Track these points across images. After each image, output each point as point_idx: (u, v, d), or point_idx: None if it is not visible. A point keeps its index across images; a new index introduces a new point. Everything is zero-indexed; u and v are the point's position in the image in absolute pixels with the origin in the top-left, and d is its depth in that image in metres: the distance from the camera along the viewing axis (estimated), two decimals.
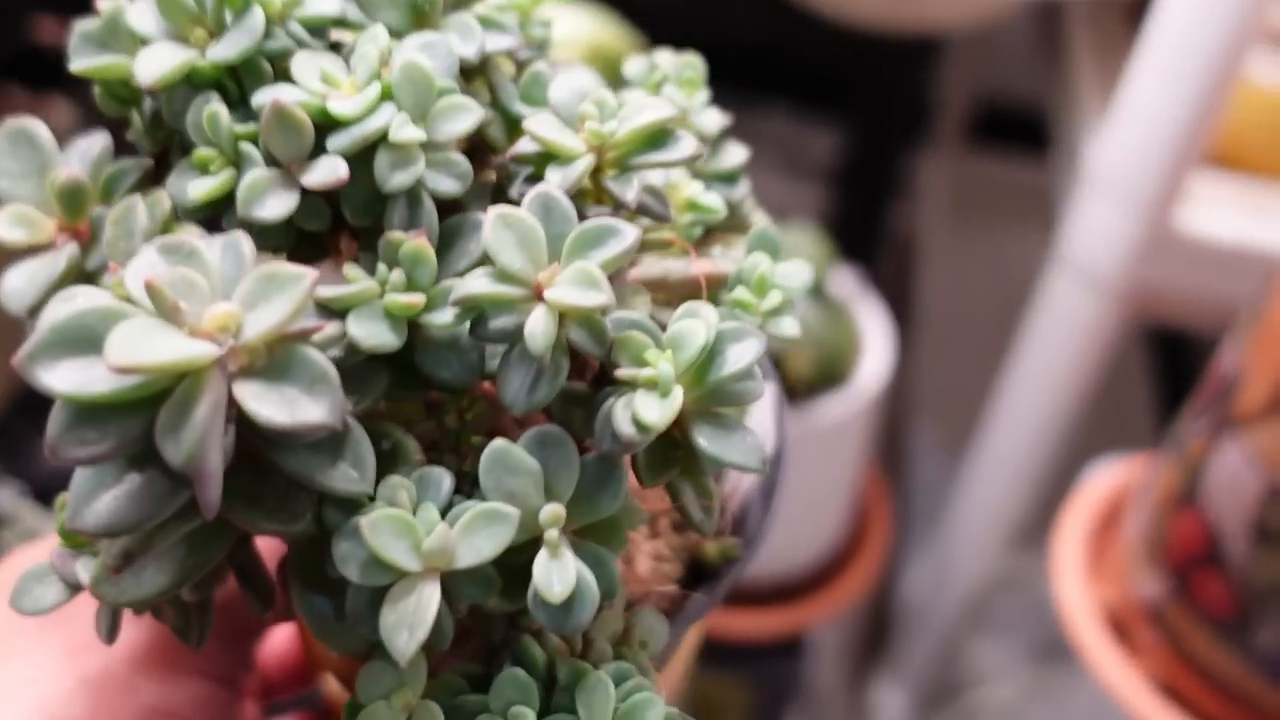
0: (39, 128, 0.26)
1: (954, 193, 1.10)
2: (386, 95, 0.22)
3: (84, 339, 0.19)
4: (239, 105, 0.24)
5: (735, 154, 0.30)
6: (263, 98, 0.23)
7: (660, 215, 0.25)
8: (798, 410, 0.72)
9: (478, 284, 0.22)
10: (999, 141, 1.12)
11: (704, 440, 0.23)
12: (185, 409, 0.19)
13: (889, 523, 0.85)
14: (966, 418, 0.88)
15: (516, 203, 0.23)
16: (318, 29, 0.24)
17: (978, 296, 1.05)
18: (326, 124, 0.23)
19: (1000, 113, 1.12)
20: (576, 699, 0.23)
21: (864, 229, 0.86)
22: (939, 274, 1.06)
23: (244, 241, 0.21)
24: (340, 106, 0.22)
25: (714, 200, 0.27)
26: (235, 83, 0.24)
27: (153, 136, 0.25)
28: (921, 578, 0.95)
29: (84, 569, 0.24)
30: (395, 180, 0.22)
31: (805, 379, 0.72)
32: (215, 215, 0.24)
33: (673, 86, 0.29)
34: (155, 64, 0.23)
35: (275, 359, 0.20)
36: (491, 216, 0.22)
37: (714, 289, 0.26)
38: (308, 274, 0.20)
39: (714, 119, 0.29)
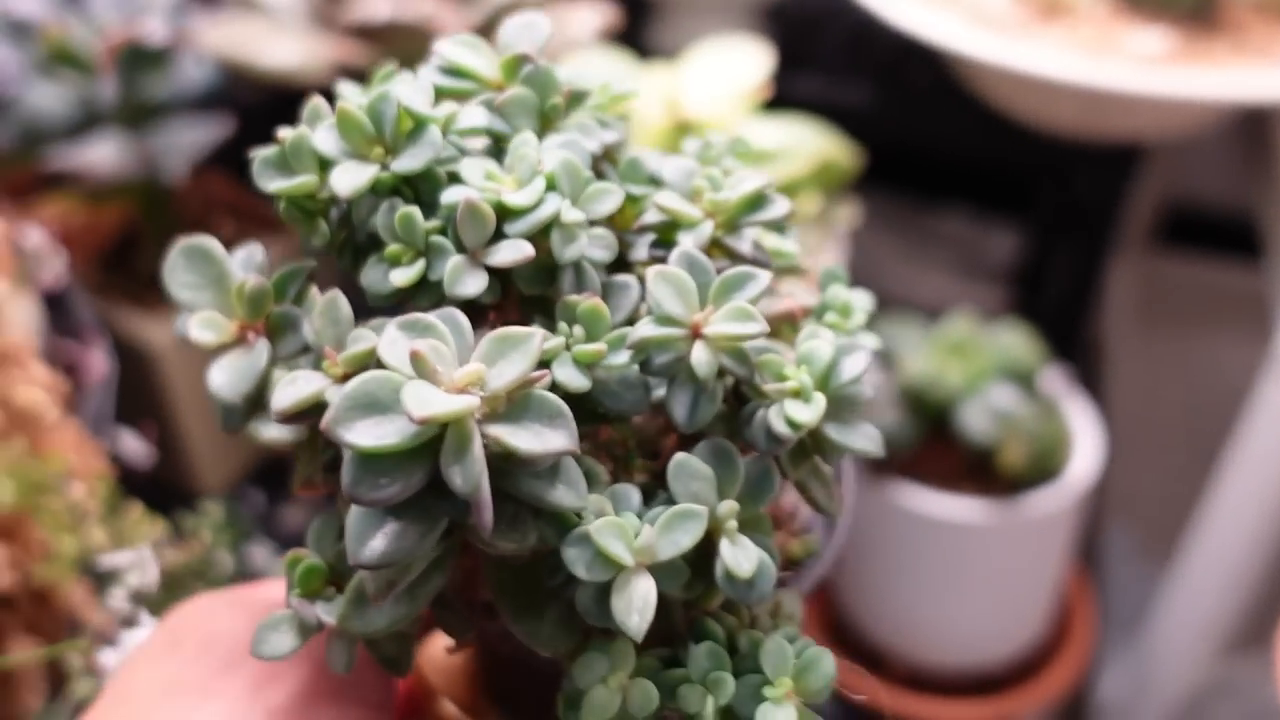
0: (211, 243, 0.31)
1: (1143, 296, 1.09)
2: (551, 186, 0.28)
3: (372, 404, 0.24)
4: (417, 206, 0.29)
5: (782, 205, 0.36)
6: (451, 197, 0.28)
7: (764, 264, 0.30)
8: (1009, 502, 0.75)
9: (648, 330, 0.27)
10: (1187, 244, 1.11)
11: (834, 434, 0.28)
12: (462, 449, 0.23)
13: (1092, 620, 0.87)
14: (1163, 520, 0.88)
15: (645, 266, 0.29)
16: (471, 137, 0.30)
17: (1169, 399, 1.06)
18: (502, 214, 0.28)
19: (1188, 215, 1.11)
20: (760, 661, 0.28)
21: (1048, 331, 0.86)
22: (1128, 377, 1.06)
23: (459, 315, 0.26)
24: (516, 199, 0.27)
25: (792, 247, 0.33)
26: (411, 188, 0.29)
27: (334, 241, 0.30)
28: (1120, 679, 0.94)
29: (325, 611, 0.28)
30: (567, 254, 0.28)
31: (1017, 471, 0.76)
32: (401, 301, 0.29)
33: (729, 158, 0.35)
34: (349, 178, 0.28)
35: (514, 404, 0.25)
36: (652, 274, 0.27)
37: (803, 318, 0.32)
38: (536, 334, 0.25)
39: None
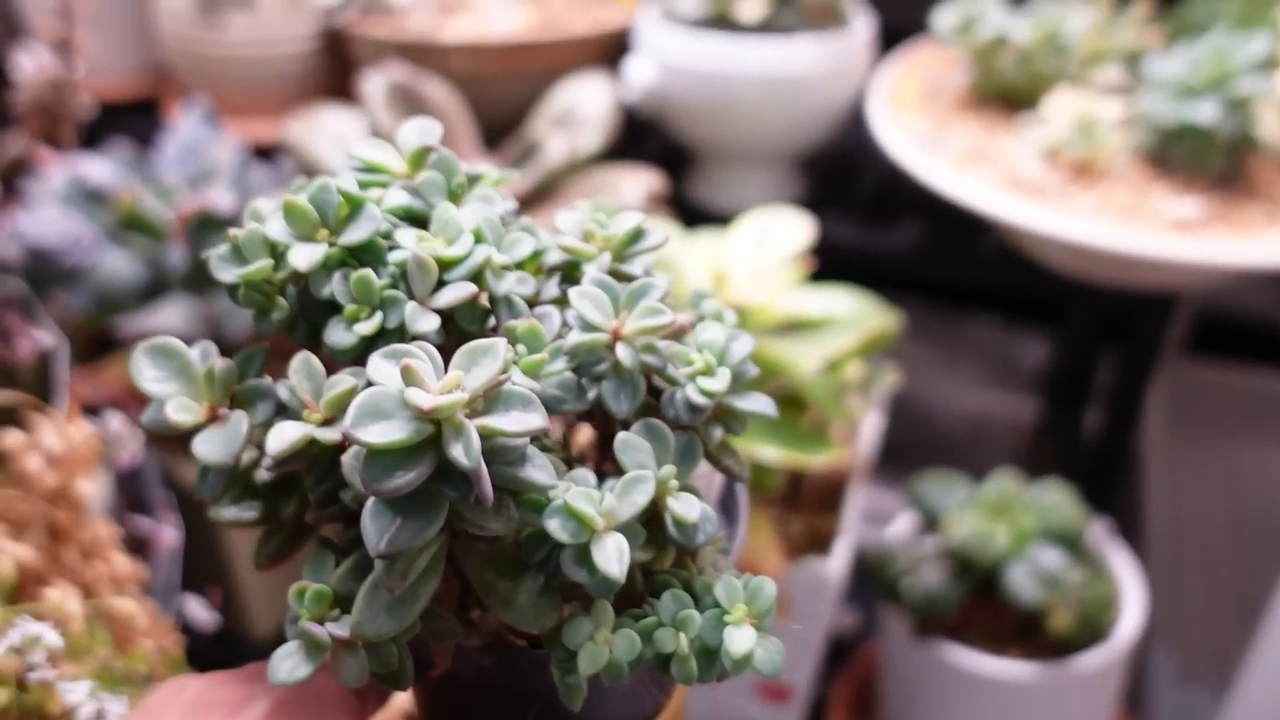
0: (172, 340, 0.36)
1: (1176, 405, 1.10)
2: (478, 239, 0.35)
3: (377, 411, 0.29)
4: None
5: (657, 235, 0.43)
6: (399, 255, 0.34)
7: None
8: (1058, 664, 0.78)
9: (578, 337, 0.34)
10: (1221, 352, 1.12)
11: (737, 403, 0.36)
12: (460, 431, 0.29)
13: None
14: (1210, 642, 0.88)
15: (556, 302, 0.36)
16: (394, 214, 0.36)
17: (1210, 512, 1.04)
18: (442, 265, 0.34)
19: (1220, 323, 1.12)
20: (716, 597, 0.34)
21: (1074, 439, 0.89)
22: (1164, 489, 1.06)
23: (426, 344, 0.32)
24: (452, 251, 0.34)
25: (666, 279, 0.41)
26: (356, 259, 0.35)
27: (288, 317, 0.35)
28: None
29: (335, 628, 0.32)
30: (501, 289, 0.35)
31: (1066, 635, 0.79)
32: (363, 354, 0.34)
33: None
34: (306, 255, 0.34)
35: (491, 399, 0.31)
36: (574, 294, 0.34)
37: (689, 330, 0.40)
38: (500, 341, 0.31)
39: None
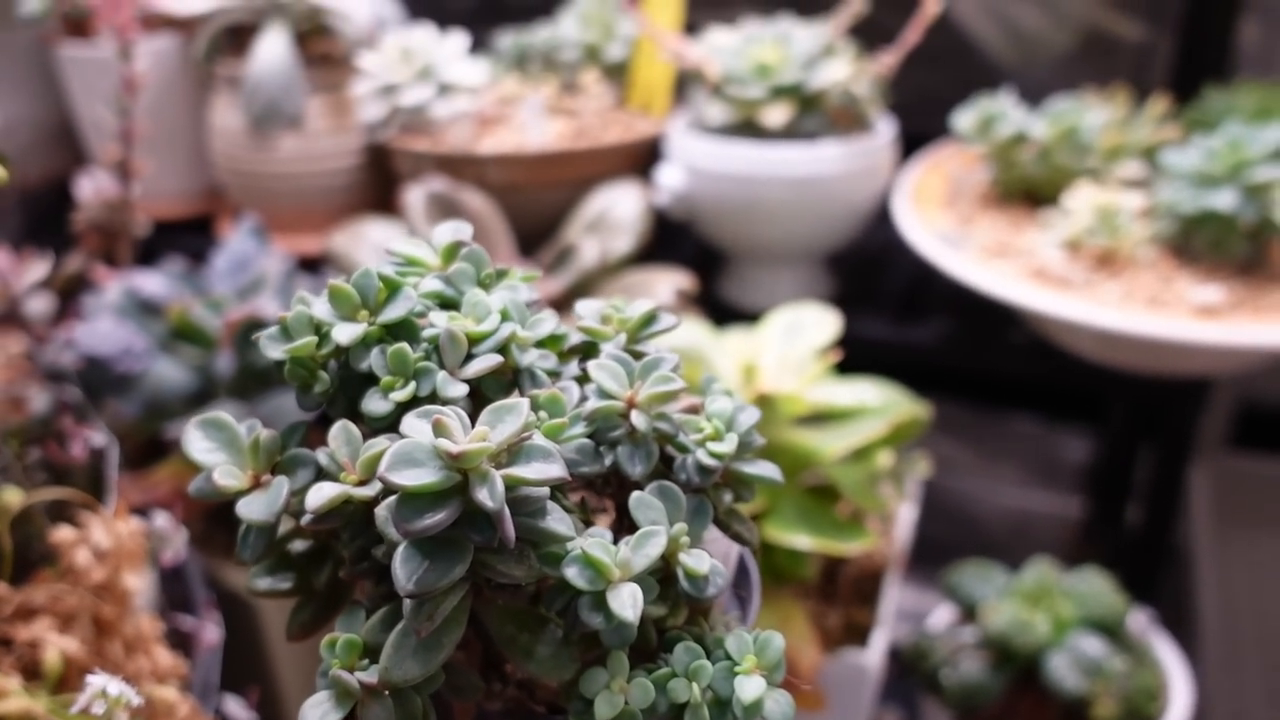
0: (222, 415, 0.40)
1: (1223, 499, 1.11)
2: (505, 317, 0.39)
3: (410, 459, 0.33)
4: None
5: (669, 320, 0.47)
6: (433, 330, 0.38)
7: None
8: None
9: (596, 403, 0.38)
10: (1265, 446, 1.14)
11: (744, 468, 0.39)
12: (485, 479, 0.33)
13: None
14: None
15: (575, 380, 0.40)
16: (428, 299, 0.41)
17: (1263, 606, 1.04)
18: (471, 340, 0.38)
19: (1265, 417, 1.14)
20: (727, 650, 0.37)
21: (1118, 534, 0.90)
22: (1216, 584, 1.06)
23: (457, 408, 0.36)
24: (481, 327, 0.38)
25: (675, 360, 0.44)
26: (392, 336, 0.39)
27: (329, 390, 0.39)
28: None
29: (365, 675, 0.36)
30: (525, 360, 0.39)
31: None
32: (397, 420, 0.38)
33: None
34: (348, 331, 0.38)
35: (515, 452, 0.34)
36: (592, 366, 0.38)
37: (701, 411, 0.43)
38: (524, 401, 0.35)
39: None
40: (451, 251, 0.43)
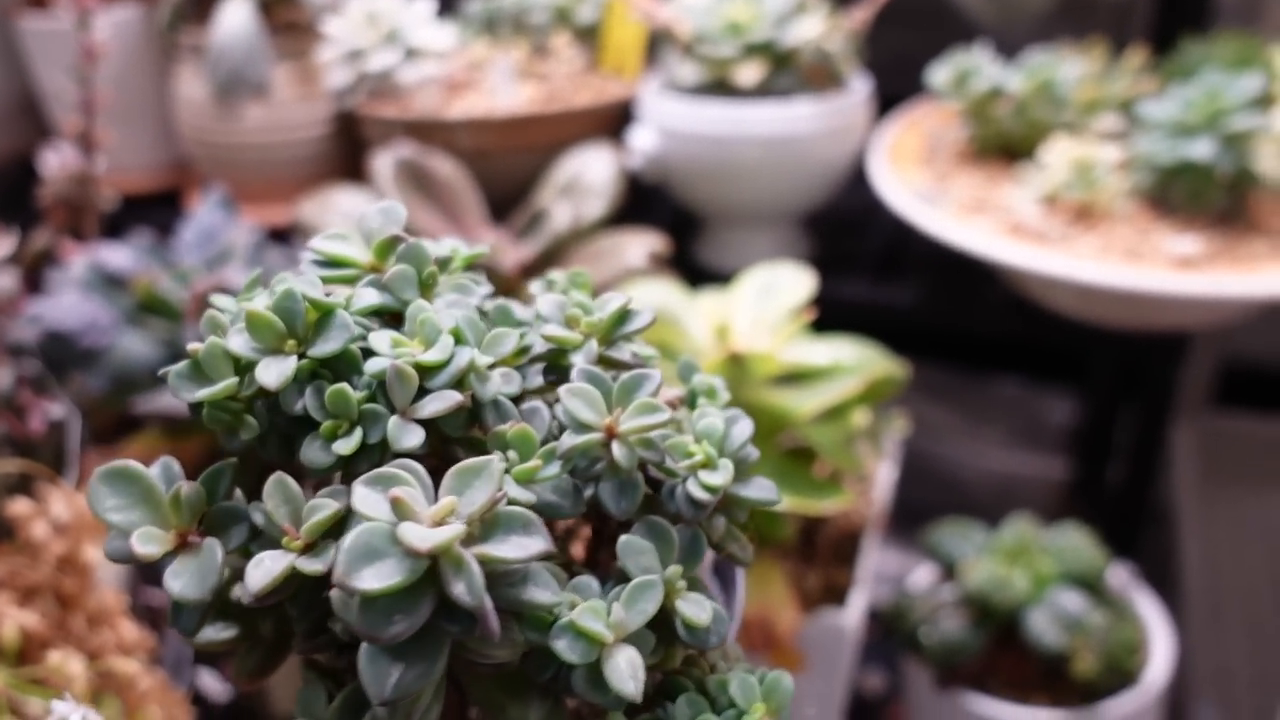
0: (130, 464, 0.32)
1: (1207, 458, 1.06)
2: (459, 340, 0.32)
3: (369, 552, 0.26)
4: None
5: (644, 317, 0.39)
6: (376, 366, 0.31)
7: (642, 365, 0.35)
8: (1084, 711, 0.73)
9: (570, 440, 0.31)
10: (1247, 404, 1.07)
11: (740, 491, 0.32)
12: (461, 567, 0.26)
13: None
14: (1257, 696, 0.84)
15: (540, 392, 0.33)
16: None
17: (1245, 563, 1.00)
18: (422, 372, 0.31)
19: (1246, 375, 1.07)
20: (732, 697, 0.30)
21: (1100, 493, 0.85)
22: (1200, 542, 1.01)
23: (415, 465, 0.29)
24: (431, 357, 0.31)
25: (651, 351, 0.37)
26: (329, 369, 0.32)
27: (258, 434, 0.32)
28: None
29: None
30: (488, 393, 0.31)
31: (1091, 679, 0.74)
32: (342, 469, 0.31)
33: (573, 290, 0.39)
34: (275, 372, 0.31)
35: (489, 524, 0.27)
36: (564, 392, 0.31)
37: (679, 406, 0.36)
38: (493, 459, 0.28)
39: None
40: (386, 247, 0.35)
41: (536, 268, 0.82)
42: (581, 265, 0.72)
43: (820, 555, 0.82)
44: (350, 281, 0.34)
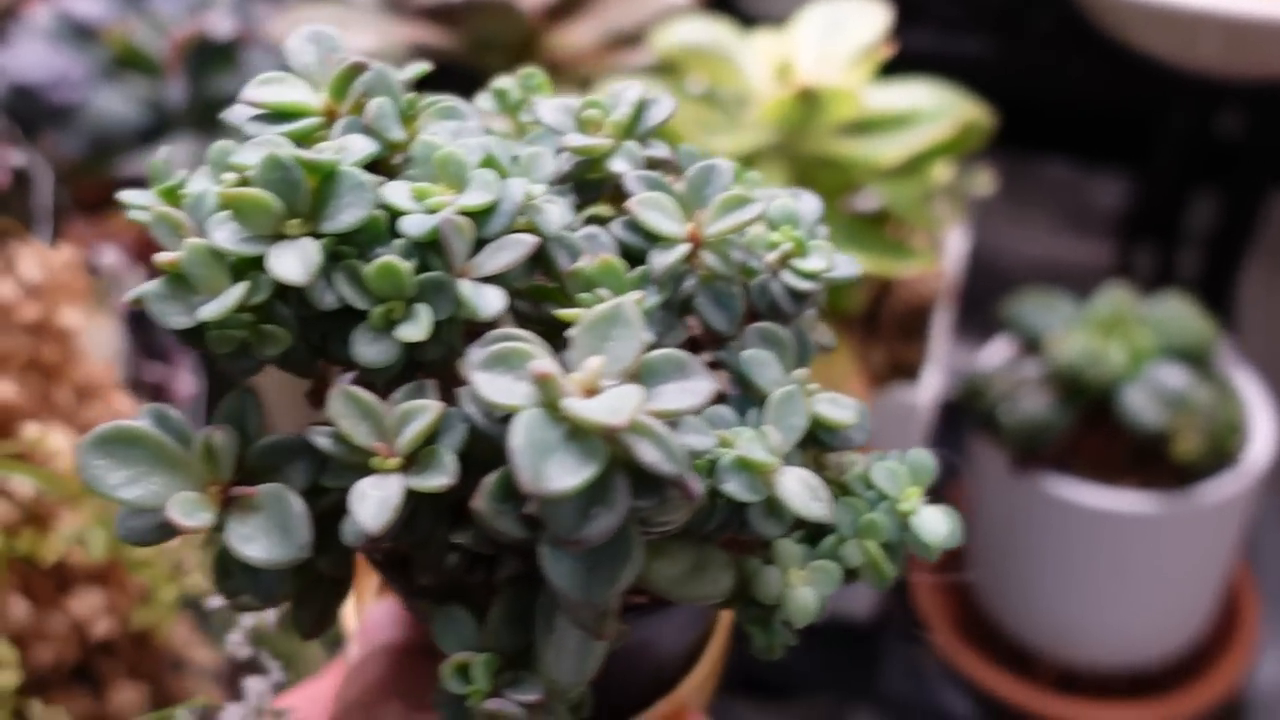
0: (133, 427, 0.25)
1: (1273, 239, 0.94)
2: (493, 166, 0.25)
3: (544, 446, 0.21)
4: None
5: (667, 103, 0.33)
6: (416, 226, 0.24)
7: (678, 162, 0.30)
8: (1181, 493, 0.68)
9: (662, 258, 0.26)
10: None
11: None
12: (649, 436, 0.21)
13: (1257, 619, 0.79)
14: None
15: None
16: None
17: None
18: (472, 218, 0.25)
19: None
20: (879, 486, 0.29)
21: (1167, 284, 0.74)
22: (1266, 328, 0.93)
23: (524, 334, 0.23)
24: (477, 198, 0.25)
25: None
26: (350, 243, 0.25)
27: (285, 345, 0.25)
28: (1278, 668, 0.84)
29: (522, 693, 0.25)
30: (550, 227, 0.26)
31: (1191, 460, 0.68)
32: (405, 369, 0.25)
33: (533, 95, 0.33)
34: (294, 260, 0.23)
35: (639, 376, 0.23)
36: (635, 204, 0.26)
37: None
38: (626, 302, 0.23)
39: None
40: (344, 81, 0.27)
41: (563, 10, 0.71)
42: (617, 5, 0.61)
43: (884, 330, 0.75)
44: (305, 137, 0.26)
